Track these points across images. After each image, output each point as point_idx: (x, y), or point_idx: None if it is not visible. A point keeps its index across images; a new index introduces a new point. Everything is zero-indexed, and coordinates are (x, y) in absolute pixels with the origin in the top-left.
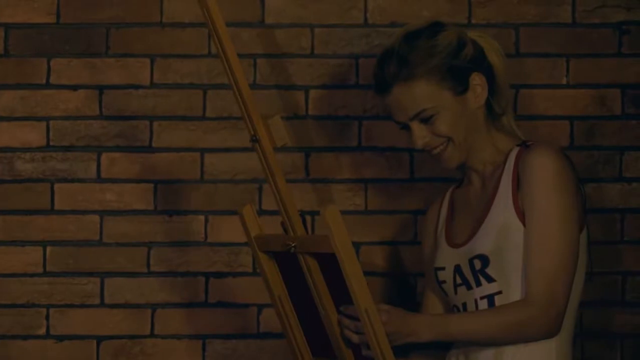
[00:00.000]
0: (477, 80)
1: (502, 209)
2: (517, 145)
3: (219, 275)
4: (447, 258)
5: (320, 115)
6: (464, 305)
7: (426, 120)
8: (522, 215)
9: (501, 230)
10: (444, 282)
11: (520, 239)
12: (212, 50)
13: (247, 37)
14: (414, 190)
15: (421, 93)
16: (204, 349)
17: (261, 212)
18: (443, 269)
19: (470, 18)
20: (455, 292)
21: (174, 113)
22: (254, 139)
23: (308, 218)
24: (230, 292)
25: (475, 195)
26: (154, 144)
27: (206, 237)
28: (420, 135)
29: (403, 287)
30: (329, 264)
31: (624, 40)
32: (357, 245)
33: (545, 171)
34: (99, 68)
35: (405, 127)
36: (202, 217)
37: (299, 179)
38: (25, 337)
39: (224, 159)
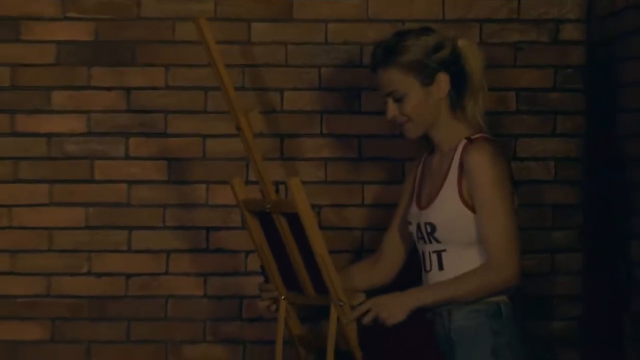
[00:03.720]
0: (442, 78)
1: (450, 191)
2: (465, 139)
3: (217, 229)
4: (414, 216)
5: (292, 110)
6: (422, 253)
7: (397, 99)
8: (463, 199)
9: (446, 208)
10: (411, 232)
11: (459, 216)
12: None
13: (236, 51)
14: (361, 166)
15: (395, 78)
16: (205, 284)
17: (248, 182)
18: (410, 223)
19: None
20: (417, 242)
21: (183, 108)
22: (238, 128)
23: (281, 187)
24: (225, 242)
25: (435, 167)
26: (168, 131)
27: (207, 200)
28: (391, 109)
29: (352, 241)
30: (295, 220)
31: (518, 55)
32: (319, 207)
33: (483, 168)
34: (127, 75)
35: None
36: (204, 186)
37: (276, 157)
38: (72, 275)
39: (221, 142)
